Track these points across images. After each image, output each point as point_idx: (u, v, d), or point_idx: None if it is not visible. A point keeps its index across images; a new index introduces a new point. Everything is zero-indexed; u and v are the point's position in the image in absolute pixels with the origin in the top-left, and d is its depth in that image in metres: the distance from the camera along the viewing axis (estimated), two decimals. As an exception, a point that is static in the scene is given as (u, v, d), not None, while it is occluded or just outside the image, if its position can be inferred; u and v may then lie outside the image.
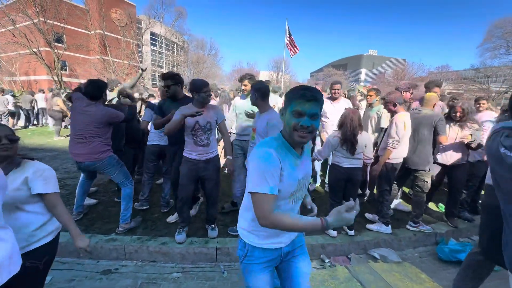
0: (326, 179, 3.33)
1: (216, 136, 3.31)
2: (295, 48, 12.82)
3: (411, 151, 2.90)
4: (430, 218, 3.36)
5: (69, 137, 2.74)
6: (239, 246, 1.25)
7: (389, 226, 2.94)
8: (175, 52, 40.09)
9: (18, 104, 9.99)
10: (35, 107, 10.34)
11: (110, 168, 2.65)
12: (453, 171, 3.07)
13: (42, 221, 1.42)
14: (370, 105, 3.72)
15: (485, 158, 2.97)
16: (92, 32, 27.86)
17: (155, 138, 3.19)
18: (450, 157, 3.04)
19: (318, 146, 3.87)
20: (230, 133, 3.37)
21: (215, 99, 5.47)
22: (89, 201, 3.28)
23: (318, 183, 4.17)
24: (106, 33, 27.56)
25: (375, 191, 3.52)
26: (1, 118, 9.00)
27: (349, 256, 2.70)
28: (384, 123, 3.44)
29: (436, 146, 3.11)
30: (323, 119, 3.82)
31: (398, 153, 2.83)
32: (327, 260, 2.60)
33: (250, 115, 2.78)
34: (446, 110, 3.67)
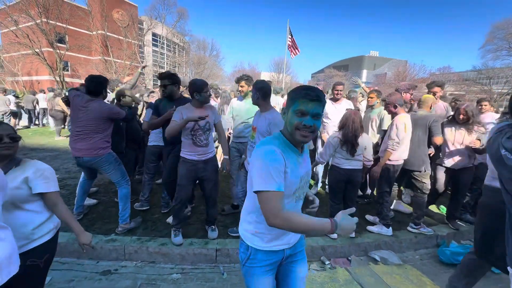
0: (326, 181, 3.32)
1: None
2: (296, 50, 12.83)
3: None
4: (431, 220, 3.34)
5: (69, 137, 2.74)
6: (241, 249, 1.23)
7: (390, 228, 2.93)
8: (176, 52, 40.20)
9: (20, 104, 10.03)
10: (37, 107, 10.38)
11: (108, 166, 2.65)
12: (459, 174, 3.02)
13: (41, 219, 1.42)
14: (371, 107, 3.71)
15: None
16: (94, 32, 28.04)
17: (155, 138, 3.19)
18: (457, 161, 2.98)
19: (319, 148, 3.86)
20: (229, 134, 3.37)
21: (215, 100, 5.47)
22: (89, 201, 3.28)
23: (319, 187, 4.15)
24: (108, 33, 27.72)
25: (375, 192, 3.51)
26: (3, 117, 9.05)
27: (349, 258, 2.68)
28: (386, 125, 3.42)
29: (442, 150, 3.09)
30: (324, 120, 3.81)
31: (399, 155, 2.82)
32: (327, 262, 2.59)
33: None
34: (450, 111, 3.65)
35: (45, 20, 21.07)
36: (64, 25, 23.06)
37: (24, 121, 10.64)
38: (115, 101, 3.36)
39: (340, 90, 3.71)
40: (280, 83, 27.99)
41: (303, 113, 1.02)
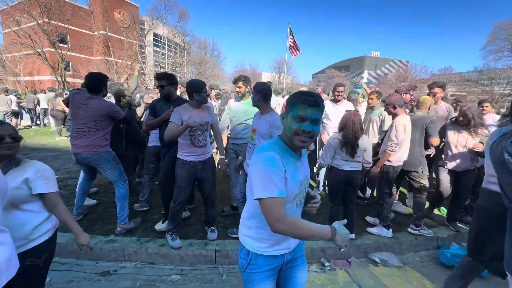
0: (326, 182, 3.31)
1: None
2: (296, 50, 12.82)
3: None
4: (431, 222, 3.32)
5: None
6: (241, 254, 1.22)
7: (390, 229, 2.92)
8: (177, 53, 40.29)
9: (21, 104, 10.08)
10: (38, 107, 10.42)
11: (106, 164, 2.65)
12: (462, 177, 3.00)
13: (40, 219, 1.43)
14: (371, 108, 3.71)
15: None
16: (96, 33, 28.12)
17: (155, 139, 3.19)
18: (460, 163, 2.96)
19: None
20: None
21: (215, 101, 5.47)
22: (89, 201, 3.28)
23: (321, 190, 4.14)
24: (109, 34, 27.81)
25: (375, 193, 3.50)
26: (4, 117, 9.09)
27: (349, 260, 2.67)
28: (387, 126, 3.42)
29: (444, 152, 3.06)
30: (324, 121, 3.81)
31: (399, 156, 2.81)
32: (327, 264, 2.58)
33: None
34: (452, 112, 3.63)
35: (47, 20, 21.16)
36: (66, 26, 23.14)
37: (26, 121, 10.69)
38: (114, 101, 3.36)
39: (341, 91, 3.71)
40: (281, 83, 27.97)
41: (302, 118, 1.03)
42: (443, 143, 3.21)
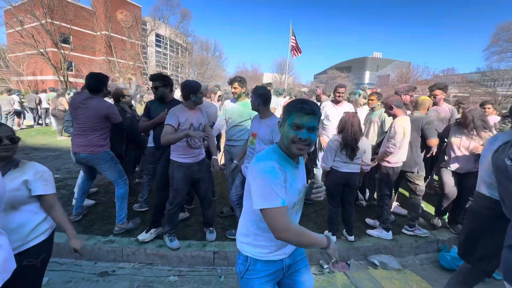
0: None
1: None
2: (298, 52, 12.81)
3: None
4: (433, 224, 3.29)
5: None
6: (239, 260, 1.22)
7: (390, 231, 2.90)
8: (179, 53, 40.40)
9: (23, 104, 10.14)
10: (39, 107, 10.48)
11: (104, 164, 2.66)
12: (464, 179, 2.96)
13: (38, 220, 1.44)
14: (371, 109, 3.69)
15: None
16: (98, 33, 28.22)
17: (155, 140, 3.19)
18: (462, 165, 2.92)
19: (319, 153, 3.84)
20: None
21: (215, 101, 5.46)
22: (87, 202, 3.28)
23: None
24: (111, 34, 27.91)
25: (375, 195, 3.48)
26: (7, 117, 9.15)
27: (348, 262, 2.66)
28: (387, 127, 3.40)
29: (447, 153, 3.03)
30: (325, 121, 3.79)
31: (398, 158, 2.80)
32: (325, 266, 2.56)
33: None
34: (456, 114, 3.59)
35: (50, 20, 21.27)
36: (69, 26, 23.24)
37: (29, 120, 10.76)
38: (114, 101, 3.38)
39: (342, 93, 3.70)
40: (282, 84, 27.96)
41: (298, 126, 1.04)
42: (445, 144, 3.19)
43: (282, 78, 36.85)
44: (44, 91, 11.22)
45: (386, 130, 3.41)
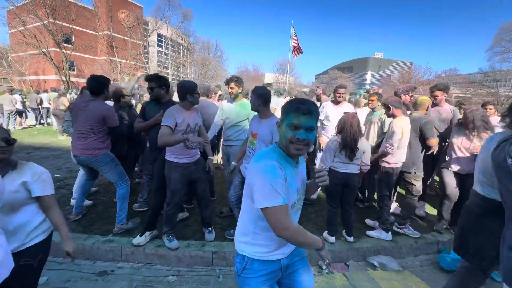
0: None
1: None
2: (299, 52, 12.79)
3: None
4: (432, 226, 3.27)
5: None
6: (237, 259, 1.22)
7: (390, 232, 2.88)
8: (180, 53, 40.51)
9: (25, 103, 10.19)
10: (41, 106, 10.53)
11: (104, 166, 2.67)
12: (465, 180, 2.93)
13: (38, 220, 1.45)
14: (372, 110, 3.68)
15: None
16: (100, 33, 28.36)
17: (155, 139, 3.20)
18: (464, 166, 2.89)
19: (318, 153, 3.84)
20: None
21: (216, 100, 5.46)
22: (85, 202, 3.28)
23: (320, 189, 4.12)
24: (113, 34, 28.04)
25: (375, 196, 3.46)
26: (9, 116, 9.20)
27: (347, 263, 2.65)
28: (387, 128, 3.40)
29: (448, 154, 3.01)
30: (325, 122, 3.78)
31: (398, 158, 2.79)
32: (324, 267, 2.56)
33: None
34: (458, 114, 3.56)
35: (52, 20, 21.39)
36: (71, 26, 23.39)
37: (31, 120, 10.81)
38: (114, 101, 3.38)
39: (342, 93, 3.68)
40: (283, 84, 27.95)
41: (296, 126, 1.04)
42: (446, 144, 3.17)
43: (283, 78, 36.84)
44: (46, 91, 11.28)
45: (385, 131, 3.41)
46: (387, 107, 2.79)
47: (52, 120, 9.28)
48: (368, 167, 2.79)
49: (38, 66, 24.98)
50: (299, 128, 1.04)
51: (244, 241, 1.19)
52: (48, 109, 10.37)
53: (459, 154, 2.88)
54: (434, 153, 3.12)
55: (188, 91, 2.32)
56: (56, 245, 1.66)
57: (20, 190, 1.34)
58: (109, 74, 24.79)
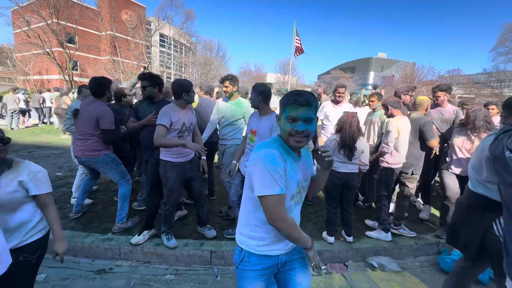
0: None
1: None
2: (301, 51, 12.77)
3: None
4: (433, 227, 3.25)
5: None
6: (236, 251, 1.23)
7: (389, 233, 2.86)
8: (183, 53, 40.62)
9: (29, 102, 10.27)
10: (43, 106, 10.62)
11: (105, 166, 2.68)
12: (466, 182, 2.91)
13: (37, 219, 1.46)
14: (373, 110, 3.66)
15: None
16: (103, 33, 28.53)
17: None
18: (465, 167, 2.81)
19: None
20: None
21: (214, 98, 5.45)
22: (85, 201, 3.30)
23: None
24: (116, 34, 28.19)
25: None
26: (12, 115, 9.28)
27: (346, 264, 2.63)
28: (388, 128, 3.38)
29: (449, 155, 2.98)
30: (324, 122, 3.77)
31: (398, 159, 2.77)
32: (323, 267, 2.53)
33: None
34: (460, 115, 3.52)
35: (56, 20, 21.53)
36: (74, 26, 23.53)
37: (34, 119, 10.90)
38: (115, 101, 3.39)
39: (342, 93, 3.67)
40: (286, 84, 27.91)
41: (294, 119, 1.03)
42: (447, 145, 3.14)
43: (286, 79, 36.80)
44: (48, 90, 11.37)
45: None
46: (385, 107, 2.78)
47: (54, 119, 9.34)
48: (367, 167, 2.77)
49: (42, 65, 25.20)
50: (298, 120, 1.03)
51: (243, 233, 1.20)
52: (50, 108, 10.45)
53: (460, 155, 2.83)
54: (437, 154, 3.10)
55: (184, 89, 2.31)
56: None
57: (18, 190, 1.35)
58: (112, 74, 24.95)
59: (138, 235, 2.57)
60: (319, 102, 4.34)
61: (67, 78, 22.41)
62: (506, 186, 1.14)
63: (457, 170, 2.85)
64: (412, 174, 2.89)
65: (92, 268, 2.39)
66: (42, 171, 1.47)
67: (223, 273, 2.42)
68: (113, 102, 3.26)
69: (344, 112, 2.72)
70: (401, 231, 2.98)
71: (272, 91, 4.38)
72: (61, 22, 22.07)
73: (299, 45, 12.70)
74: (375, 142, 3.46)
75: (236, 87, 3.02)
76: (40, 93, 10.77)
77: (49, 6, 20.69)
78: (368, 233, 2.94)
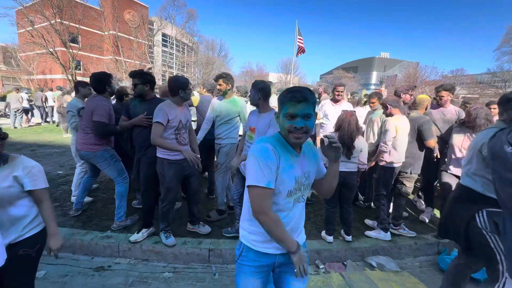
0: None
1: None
2: (302, 51, 12.73)
3: None
4: (433, 227, 3.22)
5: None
6: (237, 246, 1.25)
7: (388, 232, 2.85)
8: (185, 53, 40.72)
9: (31, 102, 10.36)
10: (45, 104, 10.70)
11: (103, 162, 2.70)
12: None
13: (34, 213, 1.47)
14: (374, 110, 3.64)
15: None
16: (106, 33, 28.69)
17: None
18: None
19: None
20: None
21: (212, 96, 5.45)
22: (85, 199, 3.32)
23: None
24: (119, 34, 28.33)
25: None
26: (15, 114, 9.37)
27: (345, 263, 2.62)
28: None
29: (448, 155, 2.95)
30: (324, 121, 3.75)
31: (397, 158, 2.75)
32: (321, 266, 2.54)
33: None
34: (462, 115, 3.48)
35: (59, 20, 21.67)
36: (77, 26, 23.66)
37: (37, 118, 10.99)
38: (116, 100, 3.40)
39: (341, 91, 3.65)
40: (288, 84, 27.86)
41: (292, 115, 1.03)
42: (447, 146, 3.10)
43: (288, 78, 36.75)
44: (51, 89, 11.46)
45: (383, 130, 3.38)
46: (384, 106, 2.76)
47: (56, 118, 9.41)
48: (366, 166, 2.76)
49: (46, 65, 25.38)
50: (296, 117, 1.03)
51: (244, 227, 1.21)
52: (52, 107, 10.53)
53: (459, 154, 2.79)
54: (438, 157, 3.07)
55: (181, 86, 2.30)
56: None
57: (13, 185, 1.36)
58: (115, 73, 25.06)
59: (137, 233, 2.58)
60: (319, 101, 4.33)
61: (70, 78, 22.54)
62: (504, 184, 1.12)
63: (456, 171, 2.79)
64: (411, 173, 2.87)
65: (91, 265, 2.40)
66: (37, 166, 1.47)
67: (221, 271, 2.42)
68: (114, 102, 3.29)
69: (342, 110, 2.71)
70: (400, 231, 2.96)
71: (273, 90, 4.38)
72: (65, 22, 22.20)
73: (302, 45, 12.66)
74: (375, 141, 3.45)
75: (230, 85, 2.99)
76: (42, 91, 10.85)
77: (52, 6, 20.82)
78: (367, 232, 2.92)
